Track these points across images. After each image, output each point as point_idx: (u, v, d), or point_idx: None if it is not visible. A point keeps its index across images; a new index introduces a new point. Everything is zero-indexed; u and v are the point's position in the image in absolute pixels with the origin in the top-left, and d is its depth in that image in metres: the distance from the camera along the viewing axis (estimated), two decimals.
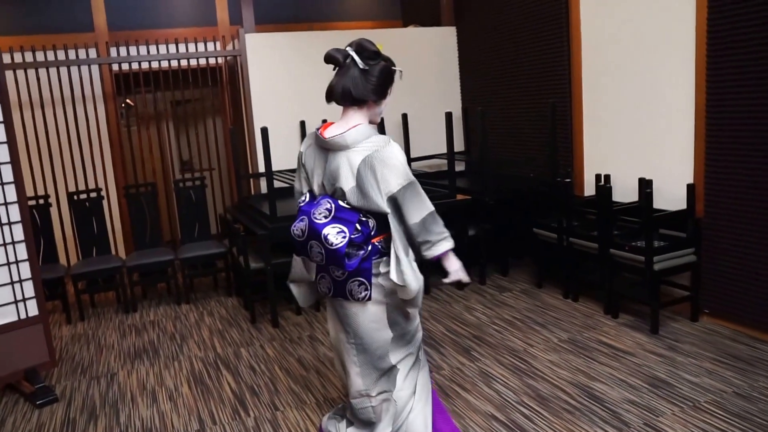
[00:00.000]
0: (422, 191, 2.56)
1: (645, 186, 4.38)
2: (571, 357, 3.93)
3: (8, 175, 3.90)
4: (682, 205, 4.34)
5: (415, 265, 2.56)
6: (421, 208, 2.53)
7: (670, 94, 4.44)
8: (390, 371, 2.75)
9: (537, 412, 3.30)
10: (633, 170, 4.79)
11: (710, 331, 4.15)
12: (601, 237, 4.47)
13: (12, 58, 5.82)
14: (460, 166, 6.59)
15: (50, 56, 6.28)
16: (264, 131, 4.74)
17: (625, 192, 4.87)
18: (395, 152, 2.50)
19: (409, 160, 6.36)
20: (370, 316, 2.65)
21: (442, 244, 2.57)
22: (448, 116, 5.22)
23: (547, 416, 3.25)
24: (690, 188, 4.26)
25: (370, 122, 2.64)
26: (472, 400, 3.48)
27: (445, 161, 5.74)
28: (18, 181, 3.93)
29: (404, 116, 6.38)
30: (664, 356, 3.83)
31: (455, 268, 2.66)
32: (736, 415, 3.11)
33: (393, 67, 2.62)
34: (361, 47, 2.54)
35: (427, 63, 6.74)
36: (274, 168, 5.43)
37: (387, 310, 2.66)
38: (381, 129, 5.87)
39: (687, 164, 4.34)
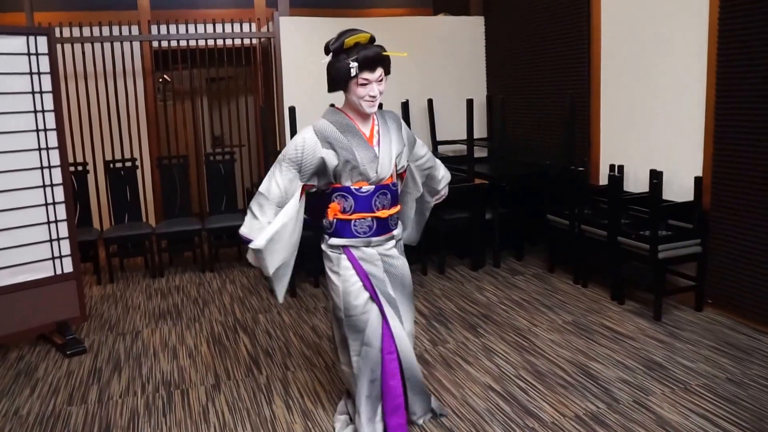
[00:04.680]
0: (273, 172, 2.82)
1: (654, 177, 4.48)
2: (572, 338, 4.08)
3: (53, 140, 4.21)
4: (690, 197, 4.44)
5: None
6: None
7: (683, 90, 4.54)
8: None
9: (532, 385, 3.46)
10: (646, 162, 4.88)
11: (712, 320, 4.25)
12: (610, 225, 4.59)
13: (61, 33, 6.10)
14: (482, 152, 6.72)
15: (95, 32, 6.54)
16: (292, 110, 4.94)
17: (637, 183, 4.98)
18: (298, 135, 2.84)
19: (435, 144, 6.53)
20: None
21: None
22: (469, 103, 5.36)
23: (542, 389, 3.41)
24: (698, 181, 4.36)
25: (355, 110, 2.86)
26: (472, 372, 3.65)
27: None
28: (61, 147, 4.24)
29: (430, 101, 6.54)
30: (663, 342, 3.96)
31: None
32: (725, 399, 3.23)
33: (342, 62, 2.66)
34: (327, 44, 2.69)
35: (455, 51, 6.87)
36: None
37: None
38: (406, 114, 6.02)
39: (696, 157, 4.43)
